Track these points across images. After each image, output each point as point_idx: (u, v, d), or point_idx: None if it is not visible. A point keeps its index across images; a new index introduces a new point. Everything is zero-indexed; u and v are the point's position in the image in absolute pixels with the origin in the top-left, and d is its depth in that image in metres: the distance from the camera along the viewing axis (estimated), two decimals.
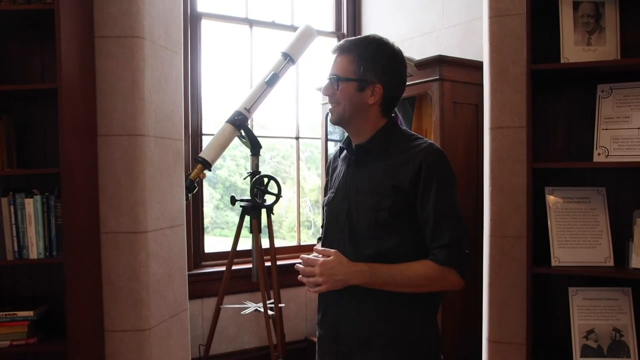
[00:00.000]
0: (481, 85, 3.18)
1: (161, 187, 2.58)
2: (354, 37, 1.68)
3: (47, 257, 2.17)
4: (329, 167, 1.86)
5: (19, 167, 2.31)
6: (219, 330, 3.47)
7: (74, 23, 2.21)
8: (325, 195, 1.83)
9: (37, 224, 2.15)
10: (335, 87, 1.63)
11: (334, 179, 1.77)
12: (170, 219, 2.66)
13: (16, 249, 2.14)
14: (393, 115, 1.72)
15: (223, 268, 3.61)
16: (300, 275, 1.65)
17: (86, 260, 2.29)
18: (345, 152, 1.75)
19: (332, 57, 1.68)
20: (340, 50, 1.65)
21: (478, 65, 3.17)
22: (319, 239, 1.95)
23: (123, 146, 2.42)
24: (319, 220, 5.50)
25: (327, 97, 1.69)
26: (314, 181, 5.47)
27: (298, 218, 4.20)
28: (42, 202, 2.16)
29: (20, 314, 2.18)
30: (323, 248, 1.64)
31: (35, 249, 2.15)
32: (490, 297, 2.29)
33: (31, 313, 2.18)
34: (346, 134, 1.75)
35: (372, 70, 1.61)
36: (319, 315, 1.77)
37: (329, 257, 1.58)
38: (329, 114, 1.70)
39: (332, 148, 3.98)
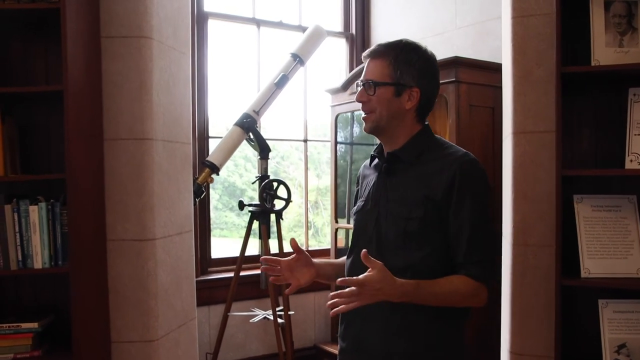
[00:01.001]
0: (498, 87, 3.10)
1: (169, 193, 2.49)
2: (386, 42, 1.60)
3: (53, 267, 2.08)
4: (359, 176, 1.79)
5: (22, 173, 2.22)
6: (226, 337, 3.39)
7: (80, 22, 2.12)
8: (354, 205, 1.76)
9: (42, 232, 2.06)
10: (371, 93, 1.56)
11: (364, 188, 1.70)
12: (178, 225, 2.58)
13: (20, 258, 2.05)
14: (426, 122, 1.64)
15: (230, 274, 3.53)
16: (331, 294, 1.46)
17: (92, 270, 2.21)
18: (376, 160, 1.68)
19: (365, 63, 1.61)
20: (374, 55, 1.58)
21: (495, 67, 3.09)
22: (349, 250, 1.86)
23: (130, 150, 2.33)
24: (318, 220, 5.41)
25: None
26: (312, 182, 5.38)
27: (306, 222, 4.12)
28: (47, 209, 2.07)
29: (25, 325, 2.09)
30: (372, 259, 1.45)
31: (40, 259, 2.06)
32: (512, 307, 2.21)
33: (36, 325, 2.10)
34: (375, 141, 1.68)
35: (409, 74, 1.54)
36: (341, 327, 1.69)
37: (372, 271, 1.38)
38: (364, 123, 1.62)
39: (341, 151, 3.90)
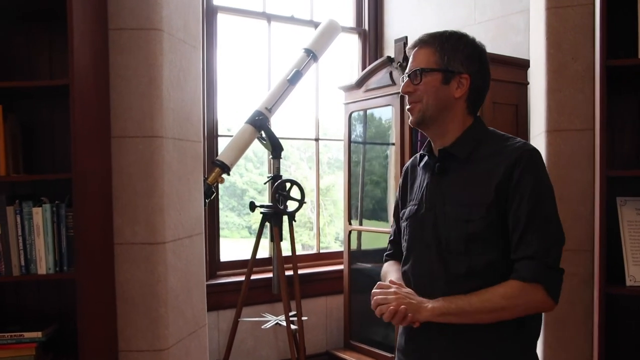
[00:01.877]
0: (522, 84, 2.99)
1: (179, 194, 2.37)
2: (431, 32, 1.50)
3: (57, 273, 1.96)
4: (406, 178, 1.65)
5: (25, 172, 2.10)
6: (235, 343, 3.25)
7: (87, 13, 2.00)
8: (402, 209, 1.63)
9: (46, 235, 1.94)
10: (417, 82, 1.45)
11: (414, 190, 1.58)
12: (189, 228, 2.45)
13: (23, 263, 1.93)
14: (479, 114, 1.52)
15: (238, 278, 3.41)
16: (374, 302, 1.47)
17: (99, 275, 2.08)
18: (426, 159, 1.55)
19: (410, 55, 1.51)
20: (419, 44, 1.49)
21: (519, 63, 2.96)
22: (387, 254, 1.74)
23: (139, 149, 2.21)
24: (320, 220, 5.28)
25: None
26: (313, 181, 5.25)
27: (317, 224, 3.99)
28: (52, 211, 1.95)
29: (28, 335, 1.97)
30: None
31: (44, 264, 1.94)
32: (545, 316, 2.08)
33: (39, 334, 1.97)
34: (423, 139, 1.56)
35: (457, 60, 1.44)
36: (402, 340, 1.56)
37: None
38: (409, 116, 1.50)
39: (355, 149, 3.76)
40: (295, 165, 6.20)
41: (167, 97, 2.27)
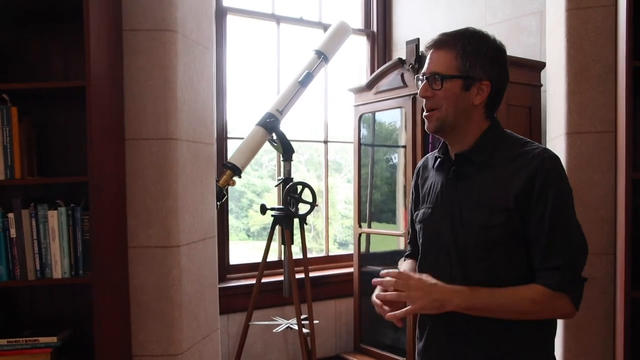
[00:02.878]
0: (535, 86, 2.97)
1: (193, 196, 2.34)
2: (449, 31, 1.45)
3: (73, 277, 1.93)
4: (418, 179, 1.63)
5: (38, 175, 2.07)
6: (245, 347, 3.23)
7: (102, 14, 1.98)
8: (415, 210, 1.61)
9: (61, 239, 1.91)
10: (437, 88, 1.41)
11: (429, 192, 1.54)
12: (202, 231, 2.43)
13: (38, 267, 1.90)
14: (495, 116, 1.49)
15: (248, 281, 3.38)
16: (375, 296, 1.43)
17: (114, 279, 2.06)
18: (439, 161, 1.52)
19: (428, 54, 1.45)
20: (439, 45, 1.43)
21: (532, 65, 2.95)
22: (406, 255, 1.71)
23: (153, 151, 2.19)
24: (319, 223, 5.24)
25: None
26: (312, 184, 5.20)
27: (326, 227, 3.96)
28: (67, 214, 1.92)
29: (43, 340, 1.94)
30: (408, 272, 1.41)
31: (59, 268, 1.91)
32: (565, 320, 2.06)
33: (54, 339, 1.95)
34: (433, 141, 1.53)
35: (478, 65, 1.39)
36: (421, 344, 1.54)
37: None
38: (425, 122, 1.46)
39: (364, 151, 3.74)
40: (293, 168, 6.15)
41: (182, 99, 2.24)
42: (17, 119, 1.89)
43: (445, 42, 1.42)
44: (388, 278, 1.38)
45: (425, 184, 1.57)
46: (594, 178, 2.00)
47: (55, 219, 1.91)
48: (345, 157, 4.80)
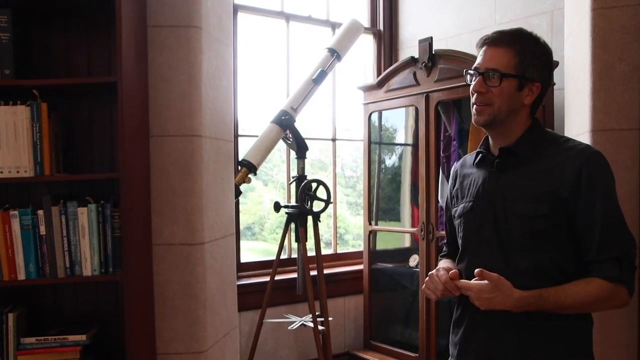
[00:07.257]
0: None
1: (215, 193, 2.34)
2: (506, 30, 1.47)
3: (103, 274, 1.92)
4: (455, 180, 1.65)
5: (65, 172, 2.05)
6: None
7: (129, 10, 1.95)
8: (453, 206, 1.62)
9: (91, 236, 1.90)
10: (495, 85, 1.42)
11: (468, 188, 1.56)
12: (223, 228, 2.43)
13: (68, 265, 1.89)
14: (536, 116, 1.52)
15: (259, 279, 3.38)
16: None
17: (141, 277, 2.05)
18: (481, 156, 1.55)
19: (482, 49, 1.47)
20: (496, 42, 1.45)
21: None
22: (442, 255, 1.73)
23: (178, 148, 2.18)
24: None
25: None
26: None
27: (335, 225, 3.97)
28: (97, 211, 1.91)
29: (72, 338, 1.93)
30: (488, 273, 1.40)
31: (89, 265, 1.90)
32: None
33: (84, 337, 1.94)
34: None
35: (534, 67, 1.43)
36: (457, 337, 1.56)
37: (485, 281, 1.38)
38: (475, 115, 1.48)
39: (374, 149, 3.74)
40: (292, 165, 6.14)
41: (206, 95, 2.24)
42: (47, 115, 1.87)
43: (503, 40, 1.44)
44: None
45: (465, 181, 1.59)
46: (618, 174, 2.00)
47: (85, 215, 1.90)
48: (343, 155, 4.80)
